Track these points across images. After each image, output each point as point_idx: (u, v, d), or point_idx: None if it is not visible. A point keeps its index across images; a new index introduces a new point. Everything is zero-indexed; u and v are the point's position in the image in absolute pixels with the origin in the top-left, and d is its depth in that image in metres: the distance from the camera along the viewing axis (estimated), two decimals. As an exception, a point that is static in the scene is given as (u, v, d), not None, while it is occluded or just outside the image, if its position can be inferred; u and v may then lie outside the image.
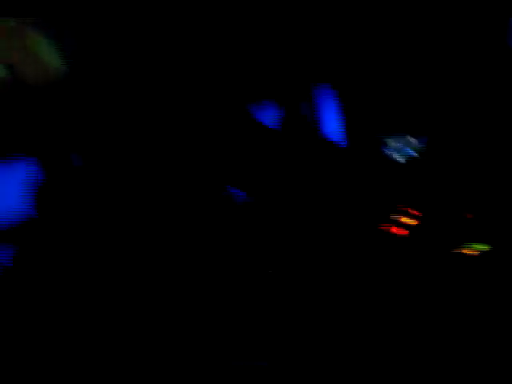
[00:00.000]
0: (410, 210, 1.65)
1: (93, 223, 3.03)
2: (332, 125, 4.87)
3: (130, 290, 1.60)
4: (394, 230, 1.54)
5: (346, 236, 1.70)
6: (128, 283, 1.74)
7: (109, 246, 2.83)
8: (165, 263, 1.43)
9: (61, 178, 3.09)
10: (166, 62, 3.35)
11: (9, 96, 3.24)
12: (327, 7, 4.63)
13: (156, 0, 3.63)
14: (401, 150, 2.60)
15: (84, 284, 2.41)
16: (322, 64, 4.68)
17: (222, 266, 1.42)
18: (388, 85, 4.30)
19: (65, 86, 3.41)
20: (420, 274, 1.35)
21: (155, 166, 1.66)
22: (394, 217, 1.55)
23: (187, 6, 3.74)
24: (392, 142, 2.67)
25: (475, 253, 1.49)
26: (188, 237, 1.43)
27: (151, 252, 1.55)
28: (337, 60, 4.76)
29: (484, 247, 1.53)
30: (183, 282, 1.36)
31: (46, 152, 3.19)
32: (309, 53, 4.58)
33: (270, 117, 3.21)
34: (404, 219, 1.54)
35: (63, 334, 2.20)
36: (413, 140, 2.58)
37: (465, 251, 1.47)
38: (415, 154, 2.47)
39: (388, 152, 2.62)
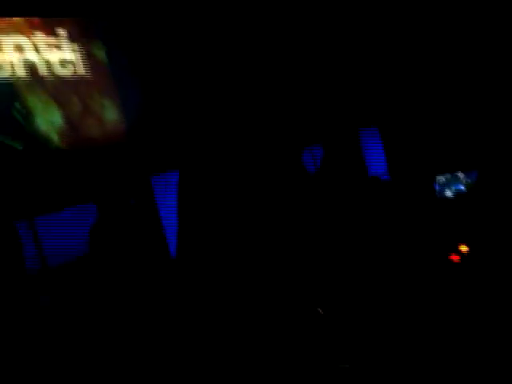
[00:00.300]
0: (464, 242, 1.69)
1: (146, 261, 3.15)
2: (379, 164, 4.92)
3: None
4: (453, 257, 1.60)
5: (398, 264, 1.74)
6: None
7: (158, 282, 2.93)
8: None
9: (116, 222, 3.24)
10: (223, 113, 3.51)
11: (67, 146, 3.40)
12: (369, 57, 4.78)
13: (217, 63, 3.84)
14: (450, 185, 2.62)
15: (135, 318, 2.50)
16: (368, 106, 4.78)
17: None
18: (436, 123, 4.34)
19: (122, 141, 3.63)
20: (477, 293, 1.39)
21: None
22: (451, 246, 1.61)
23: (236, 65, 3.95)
24: (442, 179, 2.70)
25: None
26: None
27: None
28: (383, 101, 4.85)
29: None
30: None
31: (104, 199, 3.37)
32: (356, 96, 4.70)
33: (317, 157, 3.31)
34: (461, 248, 1.59)
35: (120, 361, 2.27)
36: (462, 175, 2.60)
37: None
38: (465, 189, 2.50)
39: (438, 188, 2.65)
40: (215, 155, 1.31)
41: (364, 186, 3.32)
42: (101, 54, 3.70)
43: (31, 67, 3.30)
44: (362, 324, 1.57)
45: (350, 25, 4.71)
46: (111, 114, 3.71)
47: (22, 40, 3.30)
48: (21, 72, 3.26)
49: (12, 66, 3.20)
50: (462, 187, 2.56)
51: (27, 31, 3.33)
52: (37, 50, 3.36)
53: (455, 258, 1.58)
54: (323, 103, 4.45)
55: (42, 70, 3.37)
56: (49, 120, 3.39)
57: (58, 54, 3.48)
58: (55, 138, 3.38)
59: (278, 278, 1.42)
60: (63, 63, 3.49)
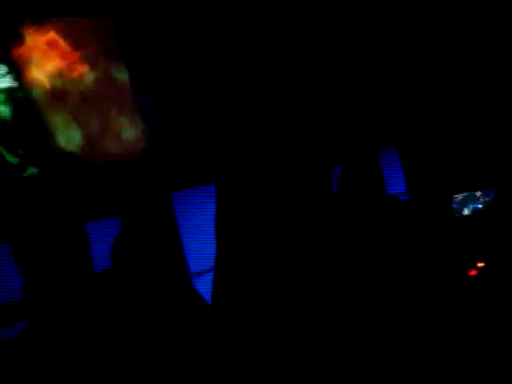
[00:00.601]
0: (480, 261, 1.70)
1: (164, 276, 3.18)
2: (399, 183, 4.91)
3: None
4: (472, 273, 1.62)
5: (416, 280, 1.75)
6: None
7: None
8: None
9: (138, 237, 3.28)
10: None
11: (85, 162, 3.47)
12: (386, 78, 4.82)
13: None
14: (468, 204, 2.63)
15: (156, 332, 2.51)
16: (386, 125, 4.80)
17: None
18: (453, 141, 4.34)
19: (144, 158, 3.70)
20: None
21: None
22: (470, 263, 1.63)
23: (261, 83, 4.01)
24: (459, 197, 2.71)
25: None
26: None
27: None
28: (401, 119, 4.87)
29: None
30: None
31: (127, 214, 3.43)
32: (374, 115, 4.73)
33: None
34: (479, 265, 1.61)
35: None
36: (479, 194, 2.61)
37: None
38: (483, 207, 2.50)
39: (456, 206, 2.65)
40: (247, 171, 1.35)
41: (383, 205, 3.33)
42: (123, 75, 3.80)
43: (53, 85, 3.40)
44: (379, 340, 1.58)
45: (368, 47, 4.77)
46: (133, 133, 3.80)
47: (44, 58, 3.42)
48: (42, 89, 3.37)
49: (33, 83, 3.31)
50: (480, 205, 2.57)
51: (51, 50, 3.45)
52: (59, 68, 3.47)
53: (473, 273, 1.60)
54: (342, 123, 4.50)
55: (64, 88, 3.47)
56: (69, 137, 3.48)
57: (79, 72, 3.59)
58: (75, 154, 3.46)
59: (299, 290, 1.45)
60: (85, 82, 3.60)
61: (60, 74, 3.47)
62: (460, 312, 1.55)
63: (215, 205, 1.56)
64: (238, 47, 4.03)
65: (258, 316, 1.39)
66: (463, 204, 2.72)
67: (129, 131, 3.79)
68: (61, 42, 3.55)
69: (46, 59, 3.45)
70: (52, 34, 3.50)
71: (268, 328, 1.37)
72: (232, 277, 1.47)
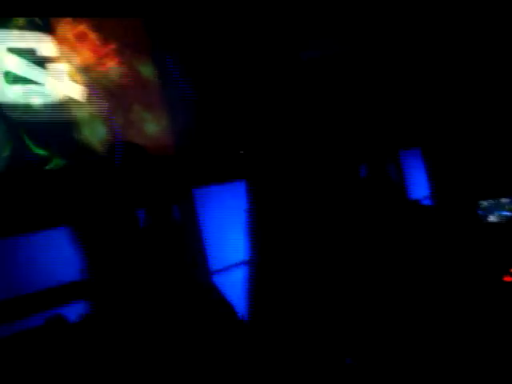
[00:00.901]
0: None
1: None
2: (421, 185, 4.86)
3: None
4: (507, 279, 1.60)
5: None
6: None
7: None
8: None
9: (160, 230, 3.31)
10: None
11: (110, 156, 3.50)
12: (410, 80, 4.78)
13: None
14: (494, 211, 2.59)
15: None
16: (411, 127, 4.76)
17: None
18: (480, 146, 4.28)
19: (168, 154, 3.72)
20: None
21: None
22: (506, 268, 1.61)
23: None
24: (485, 204, 2.67)
25: None
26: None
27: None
28: (427, 124, 4.82)
29: None
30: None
31: (150, 207, 3.45)
32: (398, 116, 4.69)
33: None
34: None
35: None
36: (506, 200, 2.57)
37: None
38: (509, 214, 2.46)
39: (481, 213, 2.62)
40: (279, 167, 1.37)
41: (403, 209, 3.30)
42: (148, 69, 3.83)
43: (81, 81, 3.45)
44: (411, 341, 1.57)
45: (395, 52, 4.74)
46: (158, 128, 3.83)
47: (71, 55, 3.46)
48: (72, 87, 3.41)
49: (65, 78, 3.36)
50: (507, 213, 2.53)
51: (79, 46, 3.50)
52: (85, 63, 3.52)
53: (509, 279, 1.58)
54: (368, 124, 4.47)
55: (91, 83, 3.51)
56: (95, 132, 3.51)
57: (106, 66, 3.62)
58: (100, 148, 3.49)
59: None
60: (111, 77, 3.63)
61: (90, 68, 3.51)
62: (490, 318, 1.53)
63: (249, 201, 1.57)
64: (267, 49, 4.03)
65: (297, 310, 1.39)
66: (489, 211, 2.68)
67: (154, 126, 3.82)
68: (91, 36, 3.59)
69: (77, 54, 3.49)
70: (82, 29, 3.55)
71: (307, 319, 1.37)
72: (268, 271, 1.48)
